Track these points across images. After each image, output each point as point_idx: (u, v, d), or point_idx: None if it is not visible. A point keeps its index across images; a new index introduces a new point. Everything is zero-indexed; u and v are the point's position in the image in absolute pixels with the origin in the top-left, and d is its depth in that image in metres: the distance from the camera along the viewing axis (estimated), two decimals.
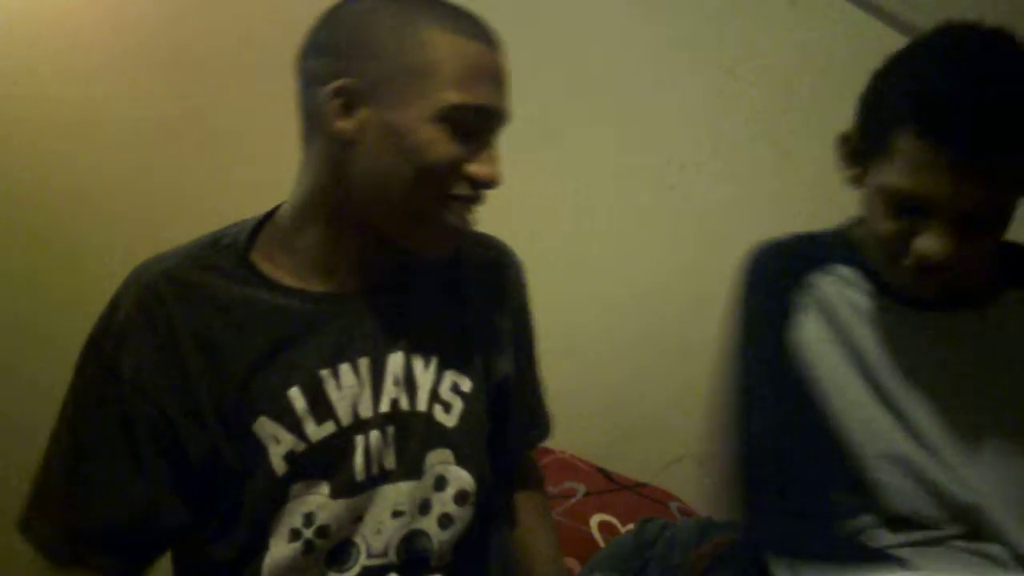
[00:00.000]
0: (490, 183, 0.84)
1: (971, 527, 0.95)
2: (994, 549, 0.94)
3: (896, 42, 1.60)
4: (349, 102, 0.82)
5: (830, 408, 0.99)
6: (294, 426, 0.84)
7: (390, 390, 0.88)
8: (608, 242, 1.73)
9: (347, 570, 0.85)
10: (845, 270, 1.03)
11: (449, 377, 0.92)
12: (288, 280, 0.88)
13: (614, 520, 1.53)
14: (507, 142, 1.67)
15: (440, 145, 0.81)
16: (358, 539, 0.86)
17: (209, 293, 0.86)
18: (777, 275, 1.05)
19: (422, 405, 0.89)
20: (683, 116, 1.71)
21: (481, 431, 0.93)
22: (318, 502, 0.84)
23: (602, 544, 1.44)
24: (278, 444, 0.84)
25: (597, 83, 1.73)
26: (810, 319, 1.02)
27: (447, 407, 0.91)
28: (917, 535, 0.96)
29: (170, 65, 1.76)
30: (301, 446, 0.84)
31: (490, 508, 0.94)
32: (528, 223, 1.74)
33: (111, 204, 1.77)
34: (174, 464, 0.84)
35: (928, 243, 0.86)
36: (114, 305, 0.87)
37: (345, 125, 0.82)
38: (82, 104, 1.76)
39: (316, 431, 0.85)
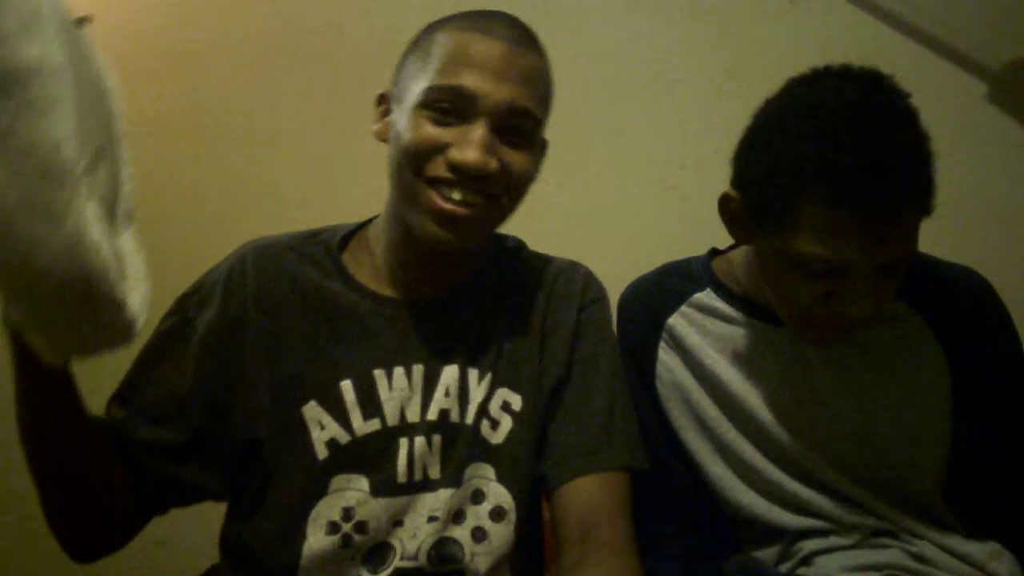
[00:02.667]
0: (463, 167, 0.83)
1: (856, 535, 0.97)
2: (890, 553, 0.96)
3: (896, 42, 1.61)
4: (387, 108, 0.92)
5: (694, 453, 1.02)
6: (341, 416, 0.89)
7: (440, 400, 0.90)
8: (608, 242, 1.73)
9: (381, 571, 0.87)
10: (704, 296, 1.05)
11: (501, 395, 0.92)
12: (366, 281, 0.94)
13: None
14: None
15: (418, 129, 0.85)
16: (395, 542, 0.88)
17: (291, 274, 0.93)
18: (639, 326, 1.07)
19: (470, 419, 0.91)
20: (683, 116, 1.71)
21: (529, 452, 0.92)
22: (357, 498, 0.87)
23: None
24: (322, 430, 0.88)
25: (597, 83, 1.73)
26: (670, 365, 1.04)
27: (495, 424, 0.92)
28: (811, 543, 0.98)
29: (170, 65, 1.76)
30: (345, 437, 0.88)
31: (535, 535, 0.94)
32: (527, 223, 1.73)
33: None
34: (216, 415, 0.89)
35: (853, 307, 0.87)
36: (213, 270, 0.95)
37: (379, 127, 0.92)
38: None
39: (362, 426, 0.88)
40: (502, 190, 0.88)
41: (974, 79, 1.61)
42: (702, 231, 1.74)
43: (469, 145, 0.83)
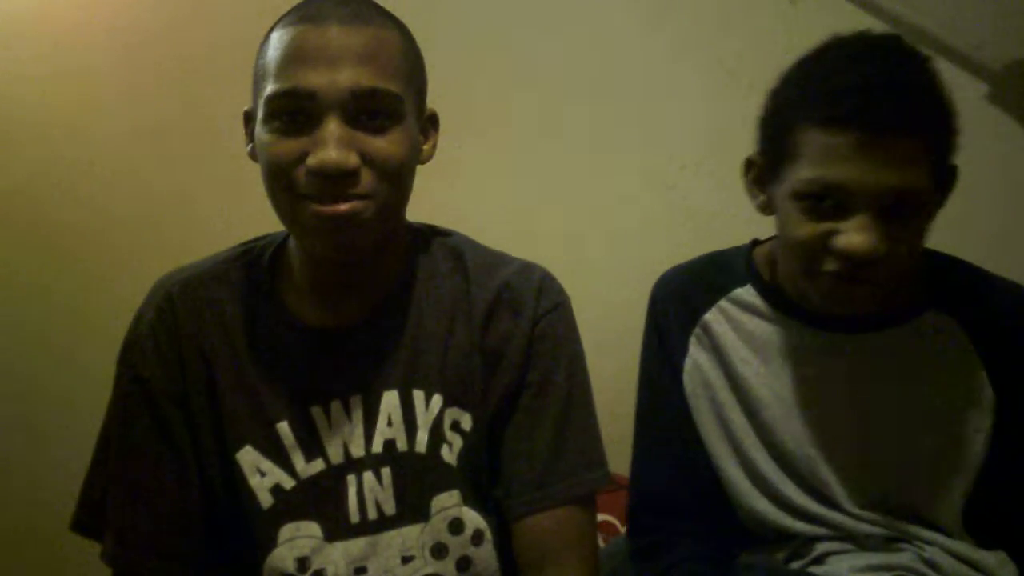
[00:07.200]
0: (321, 171, 0.76)
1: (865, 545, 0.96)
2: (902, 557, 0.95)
3: None
4: (252, 127, 0.85)
5: (712, 453, 1.00)
6: (282, 460, 0.84)
7: (384, 430, 0.86)
8: (607, 242, 1.73)
9: None
10: (744, 292, 1.02)
11: (451, 414, 0.87)
12: (292, 306, 0.88)
13: (614, 520, 1.53)
14: (506, 142, 1.68)
15: (272, 146, 0.78)
16: None
17: (218, 309, 0.87)
18: (672, 316, 1.04)
19: (421, 447, 0.86)
20: (683, 116, 1.71)
21: (482, 470, 0.89)
22: (312, 545, 0.84)
23: (602, 544, 1.44)
24: (263, 476, 0.84)
25: (596, 83, 1.72)
26: (699, 361, 1.01)
27: (450, 446, 0.87)
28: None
29: (170, 65, 1.76)
30: (290, 482, 0.84)
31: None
32: (527, 223, 1.73)
33: (111, 204, 1.77)
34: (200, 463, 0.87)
35: (851, 237, 0.84)
36: (140, 314, 0.89)
37: (250, 148, 0.86)
38: (81, 104, 1.76)
39: (305, 468, 0.85)
40: (374, 185, 0.79)
41: (974, 79, 1.61)
42: (702, 231, 1.74)
43: (321, 147, 0.76)
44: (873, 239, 0.84)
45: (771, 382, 0.98)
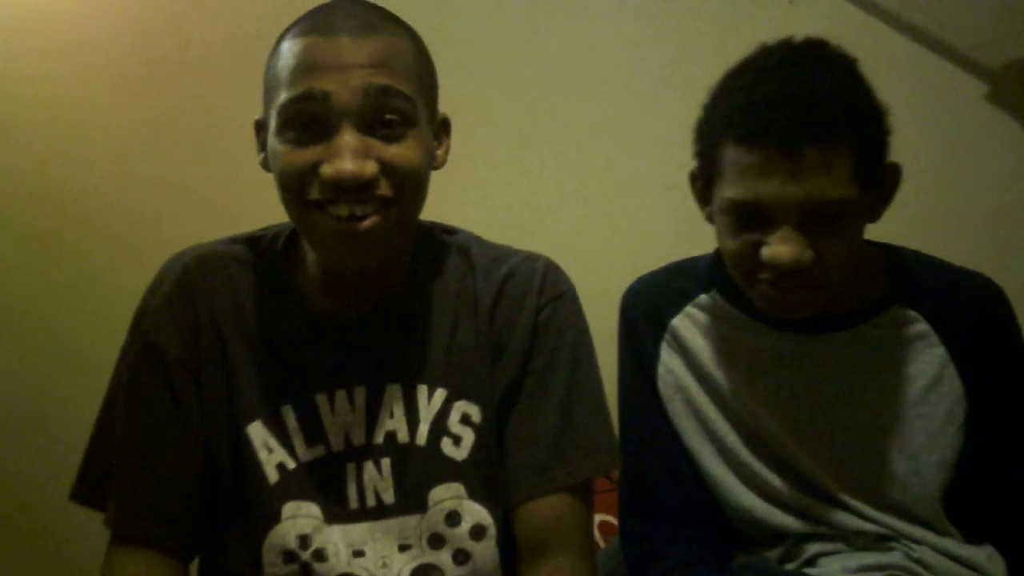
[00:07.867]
0: (337, 182, 0.76)
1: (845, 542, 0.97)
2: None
3: (896, 42, 1.61)
4: (264, 136, 0.85)
5: (696, 453, 1.01)
6: (285, 441, 0.86)
7: (386, 422, 0.87)
8: (607, 242, 1.73)
9: None
10: (709, 298, 1.03)
11: (459, 408, 0.88)
12: (305, 292, 0.89)
13: (614, 520, 1.53)
14: (506, 142, 1.68)
15: (285, 155, 0.79)
16: (363, 573, 0.85)
17: (233, 287, 0.89)
18: (643, 325, 1.05)
19: (422, 439, 0.87)
20: (683, 116, 1.71)
21: (496, 463, 0.89)
22: (312, 525, 0.85)
23: (602, 544, 1.44)
24: (270, 453, 0.86)
25: (596, 83, 1.73)
26: (672, 366, 1.02)
27: (456, 440, 0.87)
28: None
29: (170, 65, 1.76)
30: (292, 463, 0.86)
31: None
32: (528, 223, 1.73)
33: (111, 199, 1.78)
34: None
35: (775, 249, 0.86)
36: (155, 285, 0.90)
37: (261, 158, 0.86)
38: (82, 103, 1.76)
39: (306, 452, 0.86)
40: (392, 191, 0.79)
41: (974, 79, 1.61)
42: (702, 231, 1.74)
43: (337, 156, 0.76)
44: (796, 250, 0.85)
45: (742, 384, 0.99)
